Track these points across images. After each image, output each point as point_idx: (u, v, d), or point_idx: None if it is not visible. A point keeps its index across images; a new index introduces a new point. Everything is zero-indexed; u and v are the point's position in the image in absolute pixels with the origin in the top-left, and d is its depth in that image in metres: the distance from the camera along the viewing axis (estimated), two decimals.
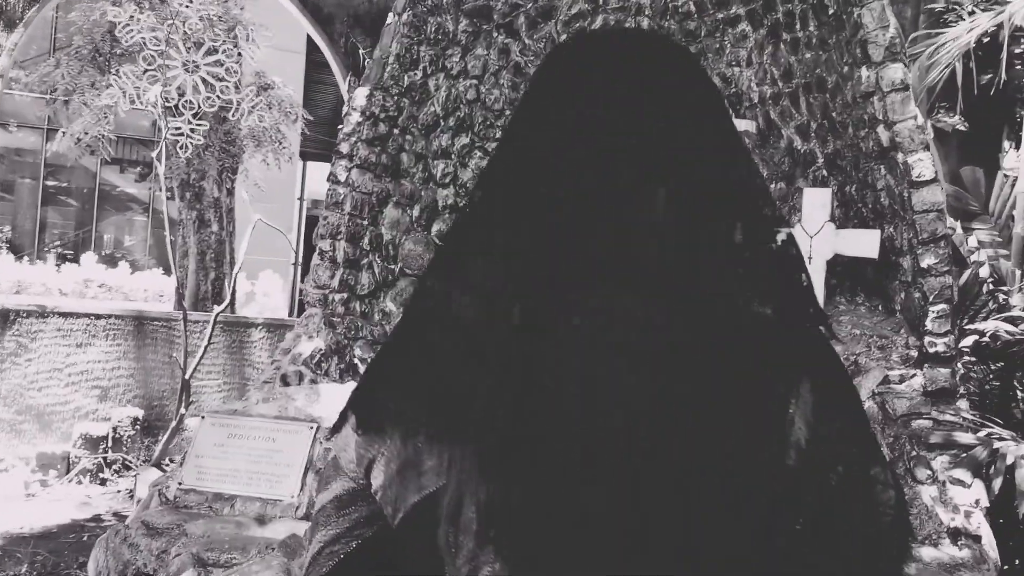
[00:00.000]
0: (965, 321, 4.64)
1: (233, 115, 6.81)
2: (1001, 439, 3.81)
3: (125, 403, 6.56)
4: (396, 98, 4.88)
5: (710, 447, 0.74)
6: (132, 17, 6.27)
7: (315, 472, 3.52)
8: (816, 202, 4.44)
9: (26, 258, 14.62)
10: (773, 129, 5.05)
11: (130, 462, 6.30)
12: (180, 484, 3.49)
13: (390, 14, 4.91)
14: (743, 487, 0.75)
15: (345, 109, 6.60)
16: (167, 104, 6.08)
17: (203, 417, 3.66)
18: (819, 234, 4.40)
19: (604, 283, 0.78)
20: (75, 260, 14.39)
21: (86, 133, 8.79)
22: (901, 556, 0.84)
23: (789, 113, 4.97)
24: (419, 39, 4.91)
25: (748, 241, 0.84)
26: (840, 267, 4.52)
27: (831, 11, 4.46)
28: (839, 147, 4.69)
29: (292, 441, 3.54)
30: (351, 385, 3.95)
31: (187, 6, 6.21)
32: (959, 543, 3.39)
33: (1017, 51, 7.01)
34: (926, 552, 3.29)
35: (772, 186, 4.79)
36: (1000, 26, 4.42)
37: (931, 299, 3.95)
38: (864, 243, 4.31)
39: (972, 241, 5.20)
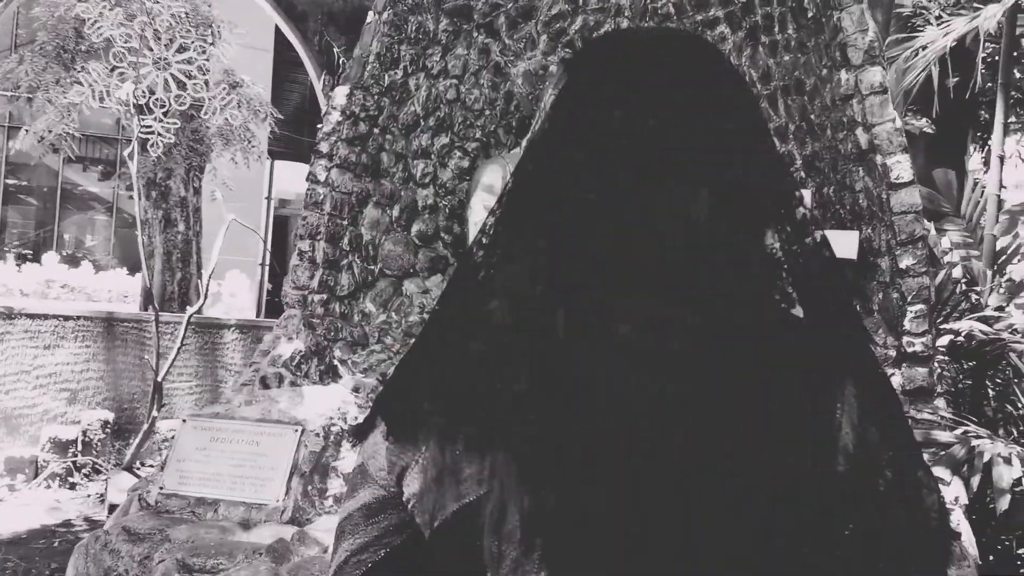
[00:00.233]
0: (940, 321, 4.72)
1: (205, 113, 6.72)
2: (978, 436, 3.88)
3: (95, 406, 6.44)
4: (376, 97, 4.84)
5: (760, 455, 0.74)
6: (101, 14, 6.16)
7: (300, 476, 3.48)
8: None
9: None
10: None
11: (100, 466, 6.19)
12: (161, 489, 3.43)
13: (370, 12, 4.88)
14: (794, 495, 0.74)
15: (324, 108, 6.56)
16: (138, 102, 5.98)
17: (184, 420, 3.60)
18: None
19: (648, 289, 0.77)
20: (36, 260, 14.11)
21: (49, 131, 8.64)
22: (946, 560, 0.84)
23: (767, 115, 5.01)
24: (399, 38, 4.88)
25: (786, 244, 0.84)
26: None
27: (810, 14, 4.50)
28: (817, 149, 4.73)
29: (276, 444, 3.50)
30: (335, 388, 3.92)
31: (156, 2, 6.11)
32: None
33: (983, 55, 7.14)
34: None
35: None
36: (974, 31, 4.50)
37: (909, 299, 4.01)
38: (843, 244, 4.35)
39: (945, 242, 5.29)
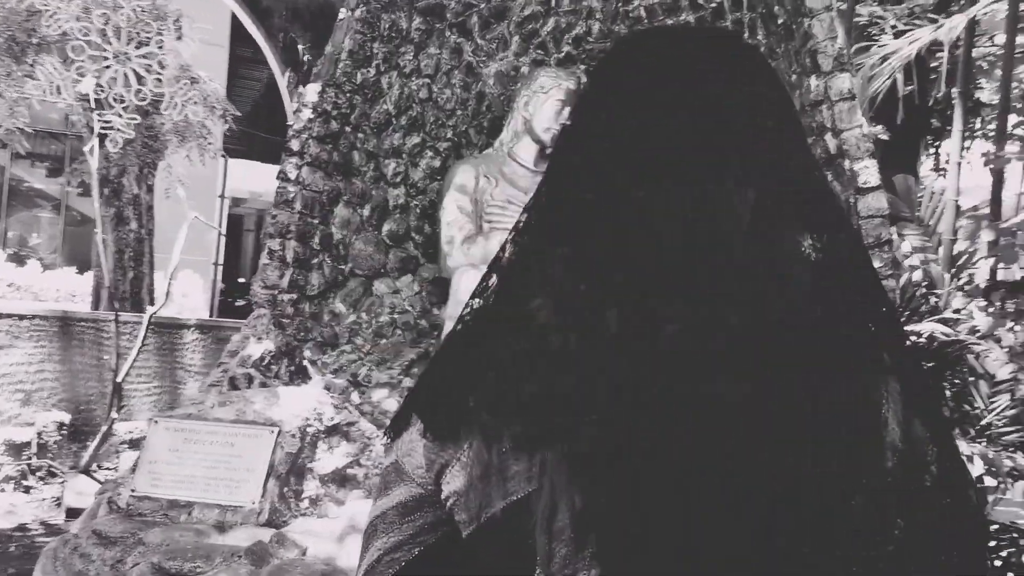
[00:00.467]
0: (902, 323, 4.82)
1: (165, 109, 6.60)
2: None
3: (50, 407, 6.26)
4: (348, 95, 4.80)
5: (809, 453, 0.74)
6: (59, 7, 6.01)
7: (276, 478, 3.43)
8: None
9: None
10: None
11: (56, 469, 6.03)
12: (133, 491, 3.35)
13: (342, 9, 4.83)
14: (844, 492, 0.75)
15: (288, 105, 6.49)
16: (98, 96, 5.85)
17: (156, 421, 3.52)
18: None
19: (694, 289, 0.77)
20: None
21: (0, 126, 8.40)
22: (984, 555, 0.86)
23: None
24: (372, 36, 4.84)
25: (827, 244, 0.85)
26: None
27: (780, 21, 4.58)
28: None
29: (252, 446, 3.44)
30: (311, 388, 3.87)
31: None
32: None
33: (933, 64, 7.33)
34: None
35: None
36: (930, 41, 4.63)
37: None
38: None
39: (906, 246, 5.41)
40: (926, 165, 9.65)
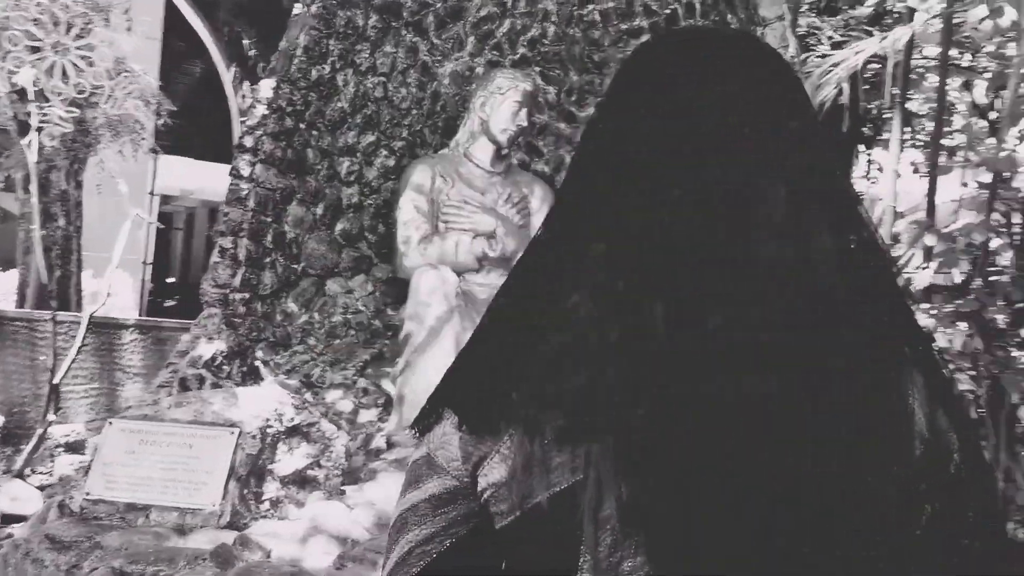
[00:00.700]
0: None
1: (105, 102, 6.41)
2: None
3: None
4: (303, 92, 4.74)
5: (845, 443, 0.77)
6: None
7: (236, 479, 3.37)
8: None
9: None
10: None
11: None
12: (87, 494, 3.25)
13: (298, 4, 4.77)
14: (878, 480, 0.78)
15: (233, 100, 6.37)
16: (37, 87, 5.65)
17: (110, 423, 3.42)
18: None
19: (736, 285, 0.79)
20: None
21: None
22: (1005, 537, 0.91)
23: None
24: (328, 32, 4.79)
25: (851, 242, 0.88)
26: None
27: (734, 28, 4.68)
28: None
29: (211, 447, 3.37)
30: (270, 388, 3.81)
31: None
32: None
33: (867, 75, 7.58)
34: None
35: None
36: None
37: None
38: None
39: None
40: (858, 172, 9.94)
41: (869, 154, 9.34)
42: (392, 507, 3.15)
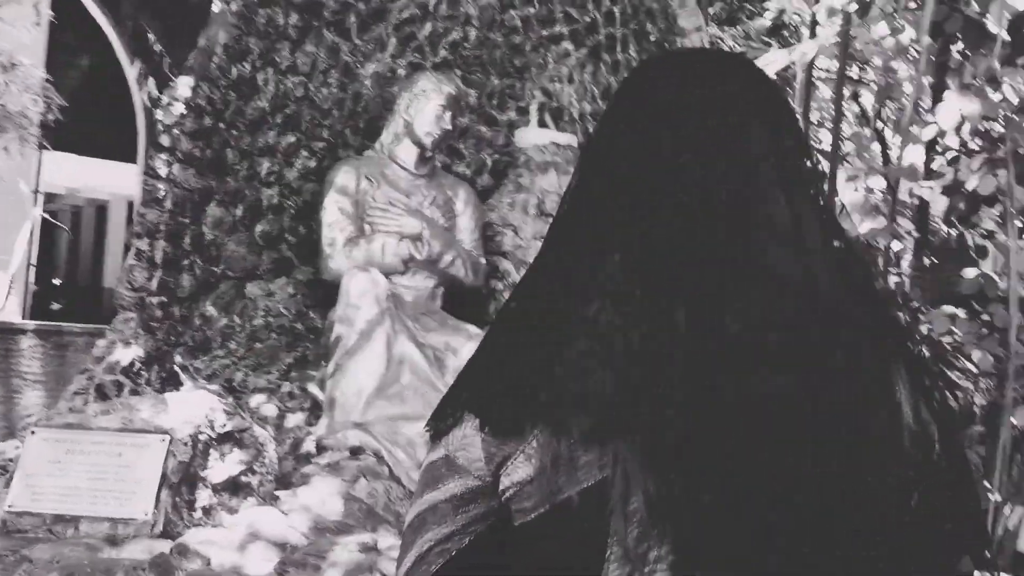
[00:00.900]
0: None
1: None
2: None
3: None
4: (223, 91, 4.64)
5: (850, 435, 0.83)
6: None
7: (169, 487, 3.28)
8: None
9: None
10: None
11: None
12: (10, 507, 3.11)
13: (217, 1, 4.67)
14: (877, 469, 0.84)
15: (137, 97, 6.18)
16: None
17: (32, 432, 3.28)
18: None
19: (752, 289, 0.84)
20: None
21: None
22: (983, 522, 1.00)
23: None
24: (248, 30, 4.70)
25: (843, 246, 0.98)
26: None
27: (652, 38, 4.84)
28: None
29: (142, 455, 3.27)
30: (201, 394, 3.73)
31: None
32: None
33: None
34: None
35: None
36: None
37: None
38: None
39: None
40: None
41: None
42: (328, 512, 3.16)
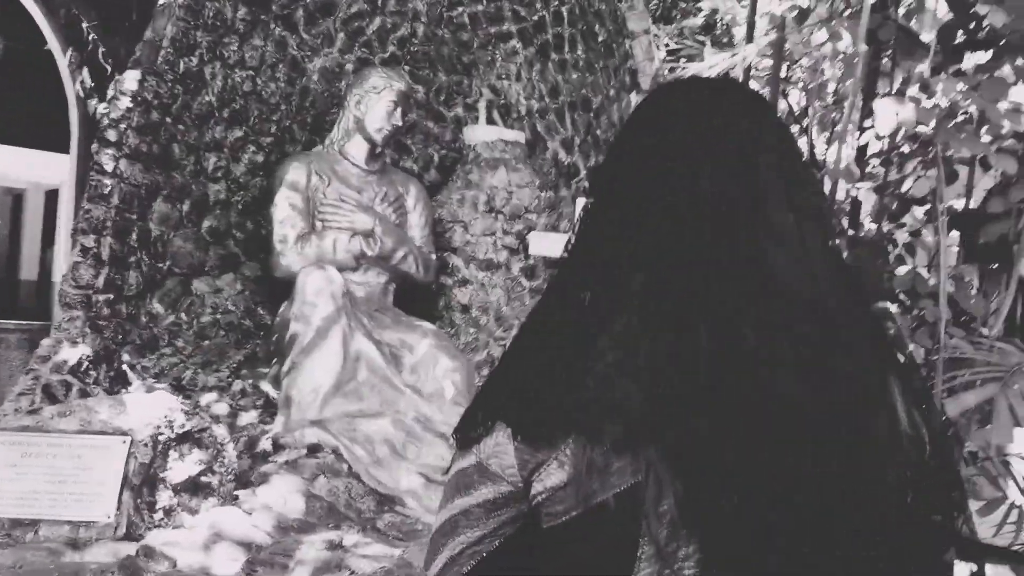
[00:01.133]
0: None
1: None
2: None
3: None
4: (170, 84, 4.56)
5: (858, 441, 0.91)
6: None
7: (130, 489, 3.25)
8: None
9: None
10: (540, 141, 5.44)
11: None
12: None
13: None
14: (881, 468, 0.92)
15: (70, 88, 6.05)
16: None
17: None
18: None
19: (769, 304, 0.92)
20: None
21: None
22: (968, 516, 1.10)
23: (555, 127, 5.39)
24: (196, 23, 4.63)
25: (839, 255, 1.07)
26: None
27: (601, 39, 4.93)
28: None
29: (102, 457, 3.23)
30: (160, 395, 3.68)
31: None
32: None
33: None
34: None
35: (541, 194, 5.18)
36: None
37: None
38: None
39: None
40: None
41: None
42: (289, 510, 3.20)
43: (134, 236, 4.53)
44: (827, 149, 6.31)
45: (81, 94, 6.62)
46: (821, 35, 4.47)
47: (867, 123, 4.32)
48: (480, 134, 5.32)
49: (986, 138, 3.78)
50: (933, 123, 3.87)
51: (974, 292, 4.08)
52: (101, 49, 6.53)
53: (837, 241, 1.06)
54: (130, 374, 4.46)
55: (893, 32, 4.19)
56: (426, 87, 5.49)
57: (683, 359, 0.89)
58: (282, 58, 5.11)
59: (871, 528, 0.89)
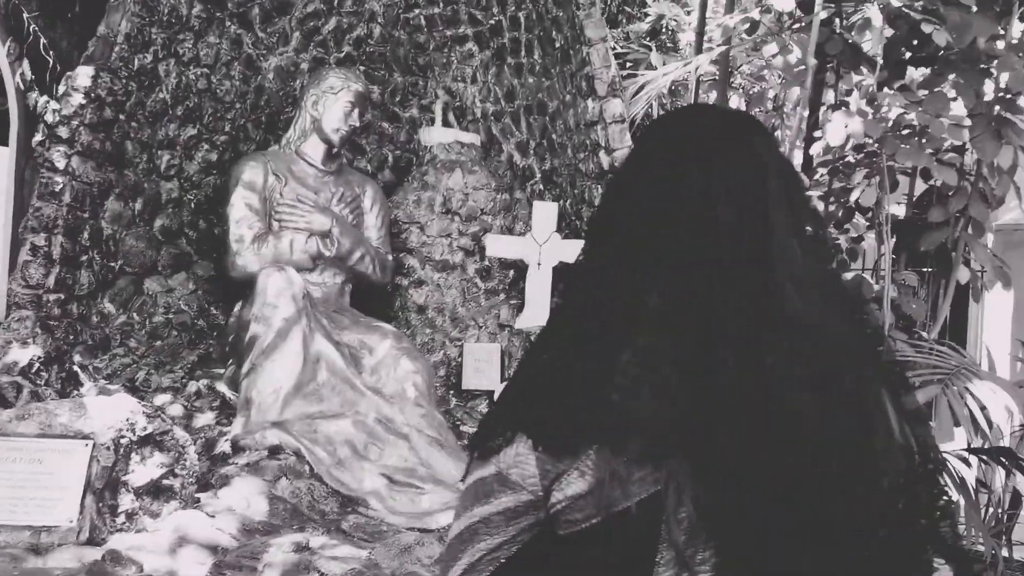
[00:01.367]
0: None
1: None
2: None
3: None
4: (125, 81, 4.49)
5: (862, 452, 0.99)
6: None
7: (93, 493, 3.21)
8: (545, 215, 4.97)
9: None
10: (495, 143, 5.50)
11: None
12: None
13: None
14: (880, 482, 1.00)
15: (8, 79, 5.90)
16: None
17: None
18: (547, 243, 4.93)
19: (785, 325, 0.98)
20: None
21: None
22: (955, 524, 1.17)
23: (510, 130, 5.45)
24: (151, 20, 4.56)
25: (837, 270, 1.15)
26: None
27: (558, 44, 5.00)
28: (556, 165, 5.26)
29: (64, 461, 3.18)
30: (120, 397, 3.63)
31: None
32: None
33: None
34: None
35: (496, 196, 5.23)
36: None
37: None
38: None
39: None
40: None
41: None
42: (253, 513, 3.21)
43: (86, 235, 4.45)
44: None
45: (21, 86, 6.41)
46: (771, 47, 4.61)
47: (815, 133, 4.49)
48: (436, 136, 5.35)
49: (928, 150, 3.97)
50: (878, 135, 4.04)
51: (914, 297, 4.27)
52: (42, 41, 6.35)
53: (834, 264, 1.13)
54: (82, 375, 4.38)
55: (840, 46, 4.36)
56: (381, 88, 5.49)
57: (706, 377, 0.95)
58: (237, 56, 5.06)
59: (870, 531, 0.96)
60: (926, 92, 4.04)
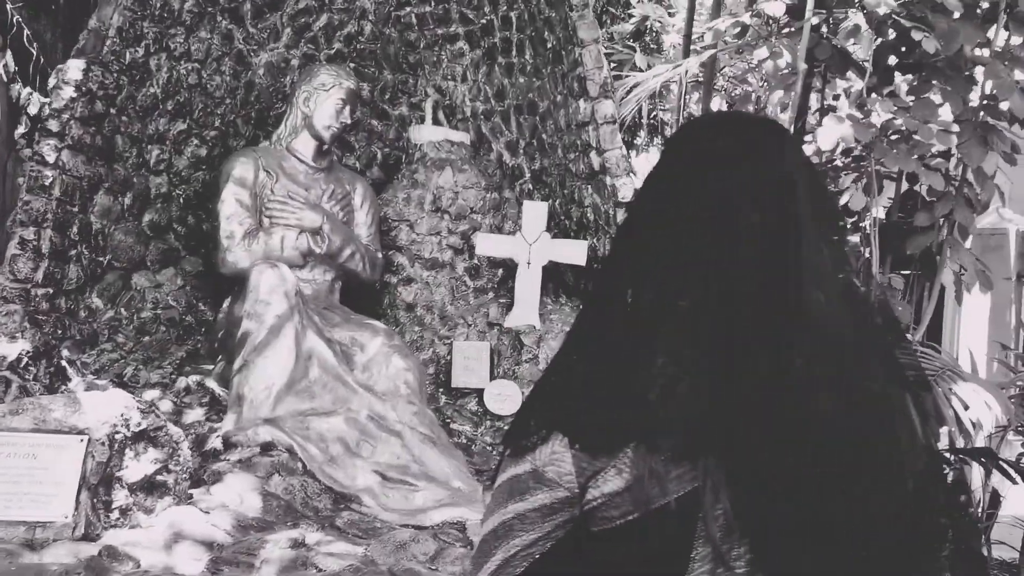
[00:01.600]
0: None
1: None
2: None
3: None
4: (116, 75, 4.46)
5: (890, 452, 1.02)
6: None
7: (88, 488, 3.19)
8: (535, 214, 4.99)
9: None
10: (485, 142, 5.52)
11: None
12: None
13: None
14: (906, 482, 1.03)
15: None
16: None
17: None
18: (537, 242, 4.95)
19: (812, 328, 1.00)
20: None
21: None
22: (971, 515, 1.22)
23: (500, 129, 5.47)
24: (143, 14, 4.54)
25: (854, 277, 1.19)
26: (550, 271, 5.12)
27: (550, 45, 5.03)
28: (546, 165, 5.29)
29: (59, 456, 3.16)
30: (115, 393, 3.62)
31: None
32: None
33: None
34: None
35: (486, 195, 5.25)
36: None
37: None
38: (574, 252, 4.94)
39: None
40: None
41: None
42: (247, 509, 3.21)
43: (75, 229, 4.42)
44: None
45: (4, 78, 6.35)
46: (760, 52, 4.67)
47: (804, 138, 4.55)
48: (426, 134, 5.36)
49: (915, 155, 4.04)
50: (867, 140, 4.10)
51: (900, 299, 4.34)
52: (26, 32, 6.30)
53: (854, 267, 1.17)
54: (70, 370, 4.35)
55: (829, 52, 4.42)
56: (371, 85, 5.49)
57: (738, 379, 0.98)
58: (228, 51, 5.04)
59: (895, 531, 0.99)
60: (913, 98, 4.12)
